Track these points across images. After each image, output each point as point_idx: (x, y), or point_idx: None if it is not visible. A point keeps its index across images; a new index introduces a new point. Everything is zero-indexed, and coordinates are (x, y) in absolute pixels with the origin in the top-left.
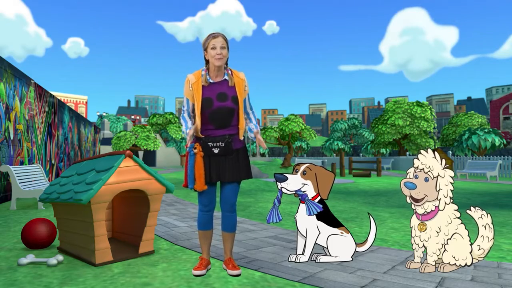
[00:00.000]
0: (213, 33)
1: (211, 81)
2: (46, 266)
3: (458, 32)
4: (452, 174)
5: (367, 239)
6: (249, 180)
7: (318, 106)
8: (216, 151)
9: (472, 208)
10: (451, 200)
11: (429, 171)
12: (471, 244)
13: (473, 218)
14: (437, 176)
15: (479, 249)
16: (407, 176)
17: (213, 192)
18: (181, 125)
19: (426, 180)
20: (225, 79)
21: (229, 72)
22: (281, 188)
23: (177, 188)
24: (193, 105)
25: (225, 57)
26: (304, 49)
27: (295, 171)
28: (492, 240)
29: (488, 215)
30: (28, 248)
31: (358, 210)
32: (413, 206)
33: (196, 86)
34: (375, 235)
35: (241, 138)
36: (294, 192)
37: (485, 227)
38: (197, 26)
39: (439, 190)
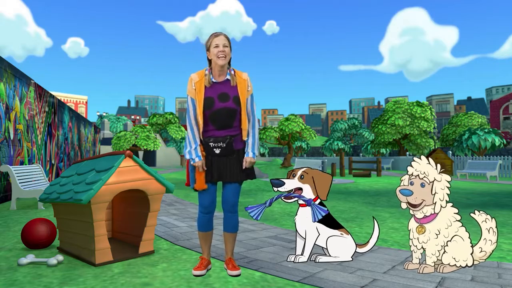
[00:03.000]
0: (215, 32)
1: (214, 80)
2: (46, 266)
3: (458, 32)
4: (449, 178)
5: (368, 241)
6: (249, 180)
7: (318, 106)
8: (217, 151)
9: (476, 211)
10: (449, 204)
11: (424, 176)
12: (472, 246)
13: (477, 222)
14: (433, 181)
15: (481, 251)
16: (402, 183)
17: (213, 193)
18: (189, 144)
19: (423, 185)
20: (227, 78)
21: (232, 72)
22: (277, 191)
23: (177, 188)
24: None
25: (228, 56)
26: (304, 49)
27: (292, 176)
28: (495, 243)
29: (493, 219)
30: (28, 248)
31: (358, 210)
32: (411, 212)
33: (199, 86)
34: (377, 238)
35: (244, 139)
36: (295, 197)
37: (488, 231)
38: (197, 26)
39: (434, 194)
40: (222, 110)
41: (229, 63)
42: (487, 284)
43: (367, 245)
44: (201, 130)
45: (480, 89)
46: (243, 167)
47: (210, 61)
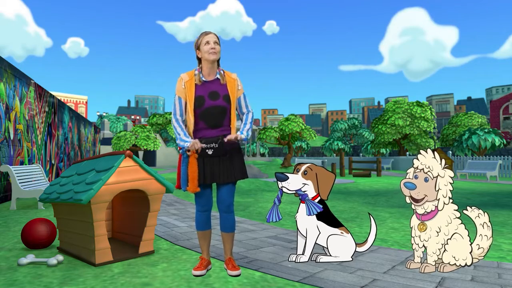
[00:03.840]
0: (205, 31)
1: (204, 79)
2: (46, 266)
3: (458, 32)
4: (452, 174)
5: (367, 239)
6: (249, 180)
7: (318, 106)
8: (210, 152)
9: (468, 208)
10: (451, 200)
11: (428, 171)
12: (471, 244)
13: (470, 218)
14: (437, 176)
15: (479, 248)
16: (407, 176)
17: (209, 192)
18: (178, 134)
19: (426, 180)
20: (217, 78)
21: (221, 72)
22: (281, 187)
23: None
24: (186, 103)
25: (218, 53)
26: (304, 49)
27: (296, 170)
28: (491, 238)
29: (485, 213)
30: (28, 248)
31: (358, 210)
32: (413, 206)
33: (189, 85)
34: (375, 235)
35: None
36: (294, 191)
37: (482, 226)
38: (197, 26)
39: (438, 190)
40: (212, 109)
41: (218, 63)
42: (487, 284)
43: (366, 243)
44: (192, 129)
45: (480, 89)
46: (227, 139)
47: (200, 60)
